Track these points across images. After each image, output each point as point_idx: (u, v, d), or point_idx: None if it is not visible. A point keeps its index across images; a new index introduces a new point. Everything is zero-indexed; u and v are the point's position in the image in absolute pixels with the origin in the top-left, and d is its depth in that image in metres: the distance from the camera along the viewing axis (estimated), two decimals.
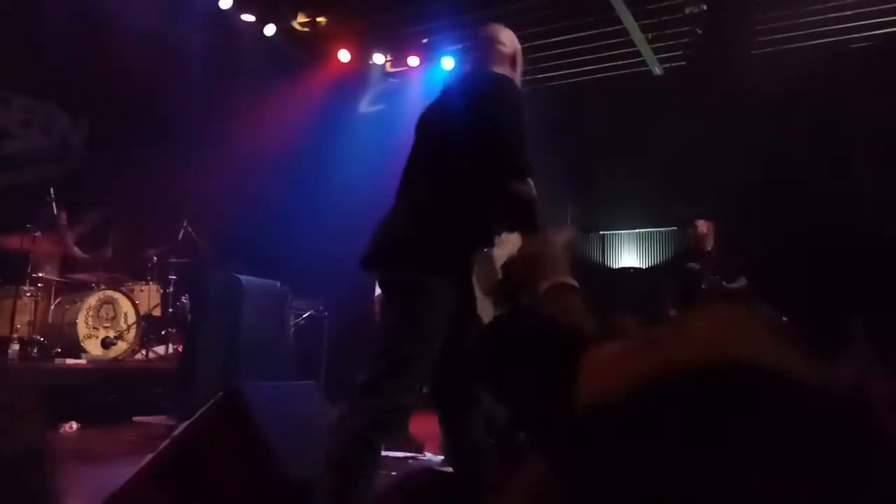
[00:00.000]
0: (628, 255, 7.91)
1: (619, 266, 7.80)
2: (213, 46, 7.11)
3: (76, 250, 6.36)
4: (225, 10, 7.17)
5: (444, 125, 2.25)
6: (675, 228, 7.49)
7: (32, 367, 5.37)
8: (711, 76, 6.91)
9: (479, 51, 2.43)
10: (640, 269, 7.41)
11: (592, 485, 0.55)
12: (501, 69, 2.36)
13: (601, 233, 8.07)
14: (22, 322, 5.54)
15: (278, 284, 5.60)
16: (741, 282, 5.51)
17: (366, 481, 1.96)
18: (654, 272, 7.20)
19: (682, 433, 0.52)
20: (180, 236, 6.43)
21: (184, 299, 6.47)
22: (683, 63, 7.52)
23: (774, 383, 0.54)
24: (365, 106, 8.54)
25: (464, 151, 2.16)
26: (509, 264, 1.38)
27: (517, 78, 2.43)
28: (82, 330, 5.71)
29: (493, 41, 2.41)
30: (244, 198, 7.13)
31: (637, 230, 7.91)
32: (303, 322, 6.47)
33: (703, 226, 5.78)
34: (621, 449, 0.55)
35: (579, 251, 7.96)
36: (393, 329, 2.09)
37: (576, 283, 1.17)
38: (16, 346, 5.35)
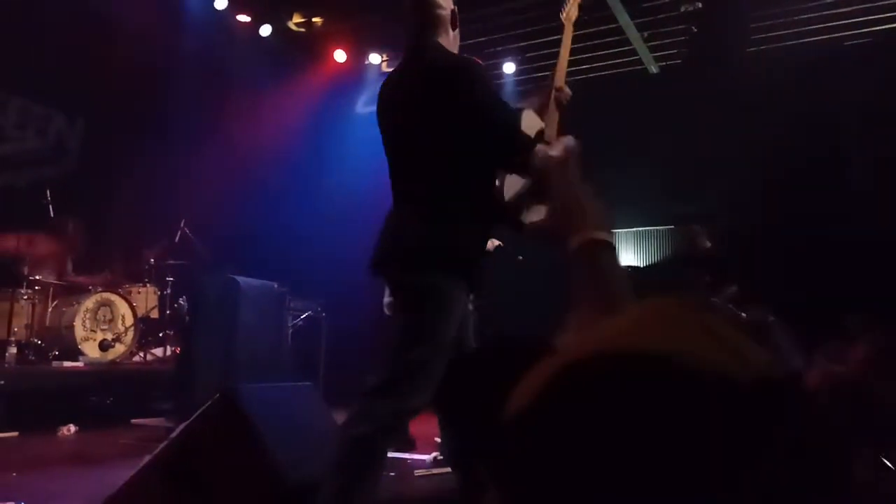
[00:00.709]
0: (625, 253, 7.91)
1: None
2: (208, 47, 7.10)
3: (69, 267, 6.30)
4: (220, 11, 7.16)
5: (426, 120, 2.17)
6: (673, 227, 7.50)
7: (29, 371, 5.37)
8: (707, 74, 6.92)
9: (419, 17, 2.29)
10: (637, 267, 7.41)
11: (526, 496, 0.55)
12: (444, 36, 2.29)
13: None
14: (19, 325, 5.53)
15: (276, 286, 5.59)
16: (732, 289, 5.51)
17: (370, 484, 1.95)
18: (652, 271, 7.21)
19: (582, 428, 0.52)
20: (177, 238, 6.43)
21: (181, 301, 6.47)
22: (679, 61, 7.53)
23: (666, 372, 0.53)
24: (361, 106, 8.53)
25: (461, 144, 2.13)
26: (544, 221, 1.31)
27: (457, 40, 2.37)
28: (80, 332, 5.70)
29: (430, 5, 2.28)
30: (241, 198, 7.13)
31: (634, 229, 7.91)
32: (301, 323, 6.46)
33: (697, 230, 5.76)
34: (537, 453, 0.54)
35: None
36: (406, 333, 2.08)
37: (611, 238, 1.07)
38: (13, 350, 5.35)
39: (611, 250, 1.00)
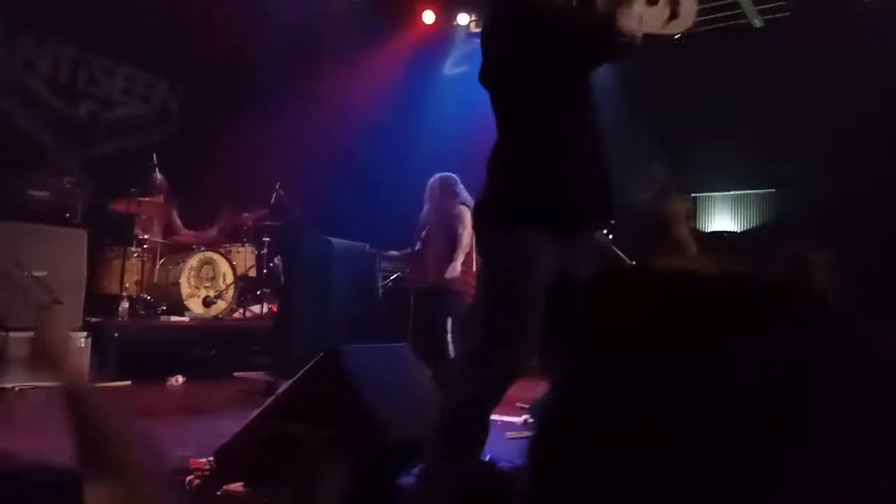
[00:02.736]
0: (722, 218, 7.62)
1: (712, 230, 7.54)
2: (300, 13, 7.20)
3: (178, 223, 6.66)
4: None
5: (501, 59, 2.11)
6: (773, 190, 7.16)
7: (140, 324, 5.72)
8: (815, 28, 6.48)
9: None
10: (734, 233, 7.14)
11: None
12: None
13: (693, 195, 7.79)
14: (130, 281, 5.87)
15: (367, 247, 5.71)
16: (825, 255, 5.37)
17: (474, 448, 1.97)
18: (751, 236, 6.93)
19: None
20: (273, 200, 6.63)
21: (277, 261, 6.71)
22: (786, 14, 7.09)
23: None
24: (450, 67, 8.48)
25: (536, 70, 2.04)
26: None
27: None
28: (185, 289, 6.01)
29: None
30: (333, 161, 7.27)
31: (732, 192, 7.60)
32: (390, 284, 6.58)
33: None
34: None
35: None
36: (492, 295, 2.04)
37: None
38: (125, 304, 5.69)
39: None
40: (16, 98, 6.49)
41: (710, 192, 7.71)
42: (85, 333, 5.04)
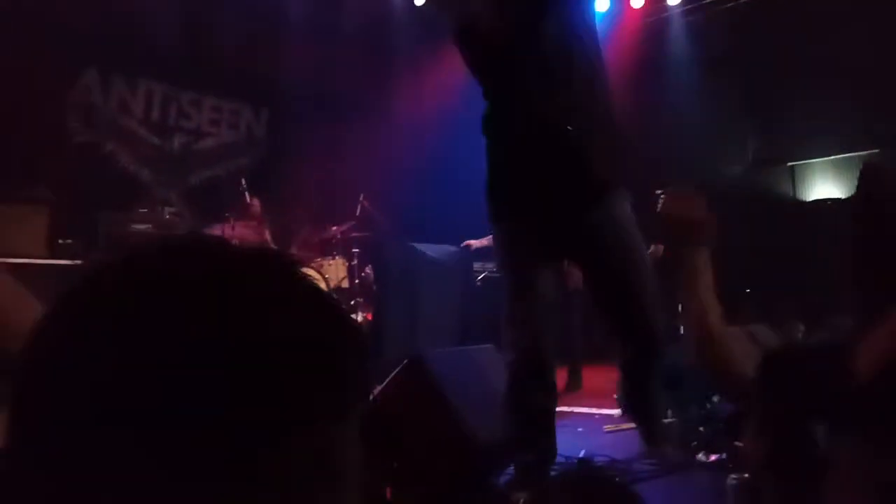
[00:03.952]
0: (823, 185, 7.18)
1: (814, 199, 7.11)
2: (367, 26, 7.36)
3: (270, 242, 6.93)
4: None
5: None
6: (878, 150, 6.67)
7: None
8: None
9: None
10: (839, 199, 6.70)
11: None
12: None
13: (790, 164, 7.39)
14: None
15: (454, 248, 5.75)
16: None
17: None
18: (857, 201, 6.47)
19: None
20: (358, 211, 6.78)
21: (367, 270, 6.85)
22: None
23: None
24: None
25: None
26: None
27: None
28: None
29: None
30: (413, 167, 7.37)
31: (833, 157, 7.13)
32: (479, 284, 6.60)
33: None
34: None
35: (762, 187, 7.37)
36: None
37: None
38: None
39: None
40: (115, 138, 6.96)
41: (809, 158, 7.28)
42: None
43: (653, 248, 5.84)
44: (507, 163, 2.22)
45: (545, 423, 2.25)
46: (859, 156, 6.92)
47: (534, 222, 2.20)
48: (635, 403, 2.64)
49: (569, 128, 2.14)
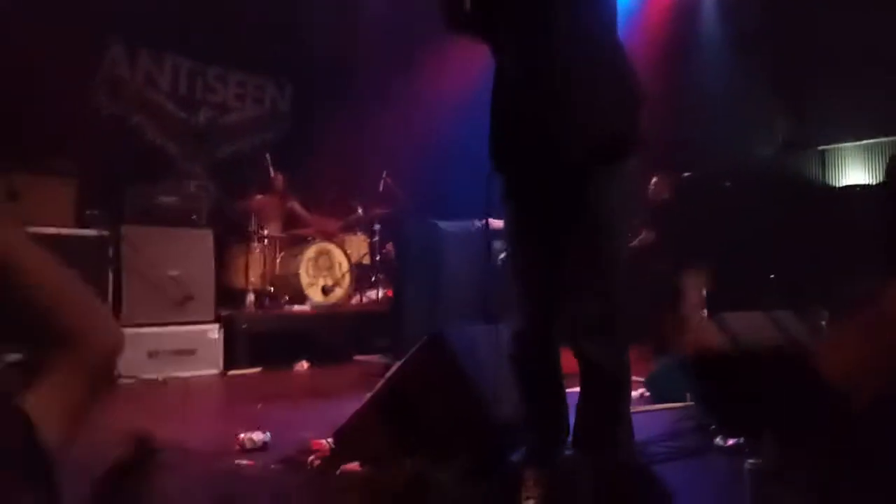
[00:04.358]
0: (854, 171, 7.03)
1: (843, 185, 6.98)
2: (392, 1, 7.30)
3: (303, 213, 6.98)
4: None
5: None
6: None
7: (266, 315, 6.05)
8: None
9: None
10: (868, 185, 6.57)
11: None
12: None
13: (820, 149, 7.25)
14: (255, 275, 6.22)
15: (476, 224, 5.72)
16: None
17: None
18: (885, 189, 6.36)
19: None
20: (381, 188, 6.79)
21: (389, 247, 6.88)
22: None
23: None
24: None
25: None
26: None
27: None
28: (305, 279, 6.29)
29: None
30: (436, 144, 7.34)
31: (864, 141, 6.98)
32: (500, 263, 6.58)
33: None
34: None
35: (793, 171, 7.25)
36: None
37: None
38: (251, 297, 6.04)
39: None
40: (143, 112, 7.02)
41: (839, 142, 7.14)
42: (217, 325, 5.42)
43: (644, 233, 5.89)
44: (504, 114, 2.16)
45: (552, 403, 2.21)
46: (891, 141, 6.78)
47: (532, 177, 2.14)
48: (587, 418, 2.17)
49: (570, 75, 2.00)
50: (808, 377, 0.77)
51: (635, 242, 5.76)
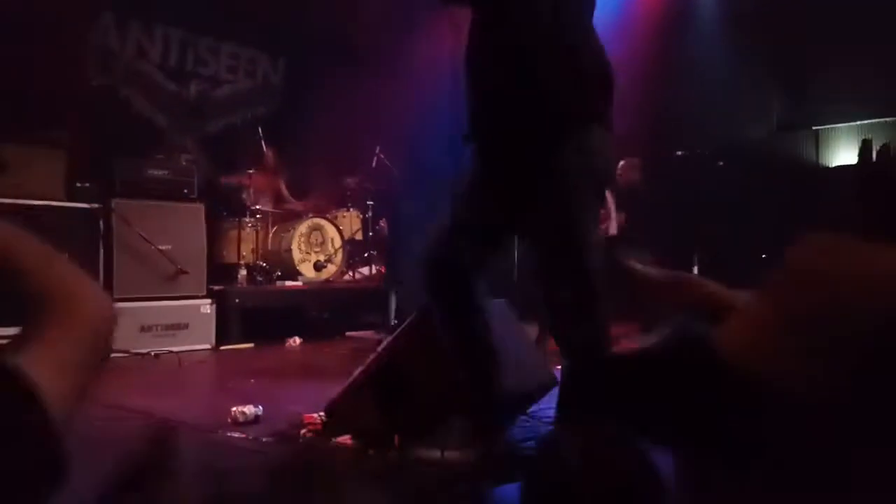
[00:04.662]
0: (847, 152, 7.04)
1: (837, 164, 6.99)
2: None
3: (286, 193, 6.94)
4: None
5: None
6: None
7: (258, 290, 6.04)
8: None
9: None
10: (848, 166, 6.57)
11: None
12: None
13: (815, 128, 7.24)
14: (246, 250, 6.20)
15: None
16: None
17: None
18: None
19: None
20: (374, 164, 6.75)
21: (381, 223, 6.86)
22: None
23: None
24: None
25: None
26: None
27: None
28: (297, 255, 6.27)
29: None
30: (430, 120, 7.28)
31: (858, 122, 6.98)
32: None
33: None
34: None
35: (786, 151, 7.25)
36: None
37: None
38: (243, 272, 6.02)
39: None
40: (132, 84, 6.93)
41: (834, 123, 7.13)
42: (210, 301, 5.41)
43: (615, 214, 5.89)
44: (466, 85, 2.18)
45: (473, 346, 2.25)
46: (886, 122, 6.78)
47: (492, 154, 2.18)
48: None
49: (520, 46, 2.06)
50: (707, 368, 0.71)
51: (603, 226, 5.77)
